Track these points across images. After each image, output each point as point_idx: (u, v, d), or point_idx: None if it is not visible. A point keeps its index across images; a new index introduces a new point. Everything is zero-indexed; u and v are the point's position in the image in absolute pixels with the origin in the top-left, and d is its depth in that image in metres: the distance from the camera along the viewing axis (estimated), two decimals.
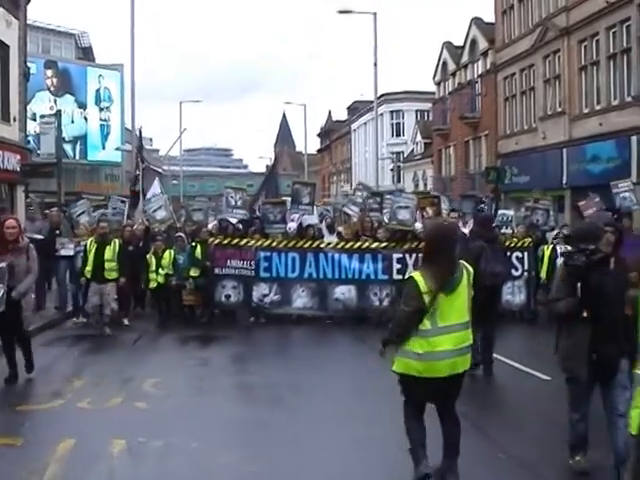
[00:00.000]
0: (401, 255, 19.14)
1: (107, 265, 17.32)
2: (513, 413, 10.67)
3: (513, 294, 19.33)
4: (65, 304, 19.59)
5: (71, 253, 18.96)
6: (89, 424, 9.56)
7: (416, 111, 70.55)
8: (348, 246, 19.43)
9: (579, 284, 7.32)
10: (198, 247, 19.32)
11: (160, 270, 19.03)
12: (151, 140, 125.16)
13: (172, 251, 19.27)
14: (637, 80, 27.60)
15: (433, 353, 6.81)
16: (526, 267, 19.56)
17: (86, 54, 65.88)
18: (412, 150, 67.28)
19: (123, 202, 22.83)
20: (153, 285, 19.22)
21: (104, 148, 60.13)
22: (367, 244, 19.32)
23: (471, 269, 7.16)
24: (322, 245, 19.54)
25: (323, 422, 9.81)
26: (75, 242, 19.12)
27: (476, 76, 47.13)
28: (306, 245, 19.50)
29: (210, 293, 19.29)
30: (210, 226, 21.16)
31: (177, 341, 16.78)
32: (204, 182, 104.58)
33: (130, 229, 19.91)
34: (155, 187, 24.67)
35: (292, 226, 20.14)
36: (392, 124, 73.35)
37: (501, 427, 9.67)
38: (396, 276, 18.85)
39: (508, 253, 18.83)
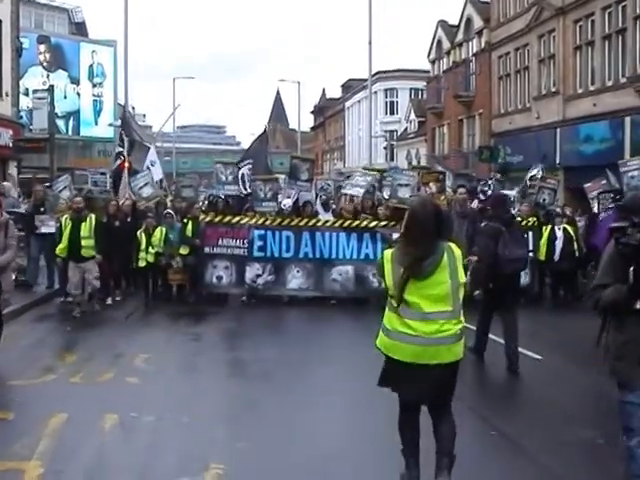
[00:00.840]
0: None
1: (84, 242, 16.34)
2: (506, 392, 10.78)
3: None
4: (53, 282, 19.20)
5: (52, 230, 18.28)
6: (81, 399, 9.58)
7: (410, 89, 70.43)
8: (346, 224, 18.80)
9: (632, 268, 5.45)
10: (189, 224, 18.74)
11: (150, 249, 18.33)
12: (144, 116, 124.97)
13: (163, 229, 18.56)
14: (632, 61, 27.59)
15: (399, 333, 6.13)
16: (531, 247, 18.61)
17: (79, 29, 65.47)
18: (406, 128, 67.21)
19: (103, 174, 22.61)
20: (142, 264, 18.40)
21: (97, 124, 59.88)
22: (366, 222, 18.74)
23: (458, 251, 6.27)
24: (319, 223, 18.92)
25: (314, 398, 9.85)
26: (56, 218, 18.39)
27: (471, 55, 47.05)
28: (302, 223, 18.80)
29: (200, 273, 18.65)
30: (201, 203, 20.92)
31: (169, 317, 16.79)
32: (197, 159, 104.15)
33: (115, 204, 19.13)
34: (152, 154, 24.37)
35: (287, 203, 19.58)
36: (386, 102, 73.22)
37: (494, 406, 9.74)
38: None
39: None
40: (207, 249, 18.61)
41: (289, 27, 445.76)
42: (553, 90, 34.90)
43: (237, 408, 9.40)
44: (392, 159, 65.51)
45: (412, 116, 64.65)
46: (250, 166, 21.21)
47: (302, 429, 8.46)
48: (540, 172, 22.49)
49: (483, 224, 12.94)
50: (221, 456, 7.36)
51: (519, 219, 18.31)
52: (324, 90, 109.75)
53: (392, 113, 72.86)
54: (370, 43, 42.58)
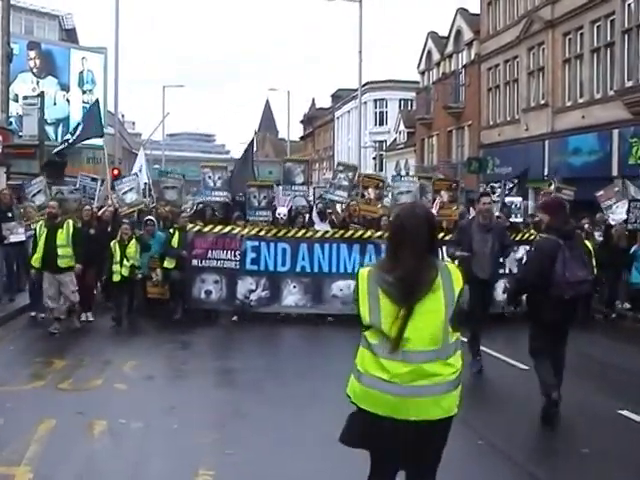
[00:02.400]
0: None
1: (60, 251, 14.84)
2: (492, 402, 10.78)
3: None
4: (14, 294, 17.81)
5: (22, 238, 17.15)
6: (70, 405, 9.58)
7: (400, 100, 70.56)
8: (347, 235, 17.47)
9: None
10: (176, 234, 17.07)
11: (125, 261, 16.21)
12: (134, 124, 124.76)
13: (138, 240, 16.60)
14: (620, 74, 27.74)
15: (372, 377, 4.62)
16: None
17: (70, 36, 65.37)
18: (395, 139, 67.31)
19: (94, 180, 20.67)
20: (116, 278, 16.28)
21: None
22: (370, 233, 17.37)
23: (457, 273, 4.79)
24: (317, 234, 17.52)
25: (303, 406, 9.86)
26: (25, 225, 17.33)
27: (460, 66, 47.21)
28: (299, 234, 17.40)
29: (187, 288, 17.08)
30: (186, 205, 19.90)
31: (157, 325, 16.56)
32: (186, 167, 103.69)
33: (89, 209, 17.43)
34: (140, 157, 23.34)
35: (282, 211, 18.04)
36: (375, 112, 73.32)
37: (481, 416, 9.76)
38: None
39: (522, 247, 16.97)
40: (195, 261, 17.08)
41: (280, 37, 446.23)
42: (542, 102, 35.06)
43: (225, 415, 9.42)
44: (381, 169, 65.65)
45: (401, 127, 64.77)
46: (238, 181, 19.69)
47: (291, 437, 8.47)
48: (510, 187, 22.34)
49: (538, 237, 11.49)
50: (210, 463, 7.37)
51: (533, 231, 17.66)
52: (314, 100, 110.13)
53: (381, 124, 72.96)
54: (360, 53, 42.63)
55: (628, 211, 18.48)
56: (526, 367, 12.27)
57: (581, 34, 31.76)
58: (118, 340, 14.74)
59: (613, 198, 19.56)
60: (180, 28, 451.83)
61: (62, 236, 14.95)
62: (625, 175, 27.43)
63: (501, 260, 11.97)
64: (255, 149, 23.21)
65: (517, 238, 17.27)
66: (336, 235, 17.52)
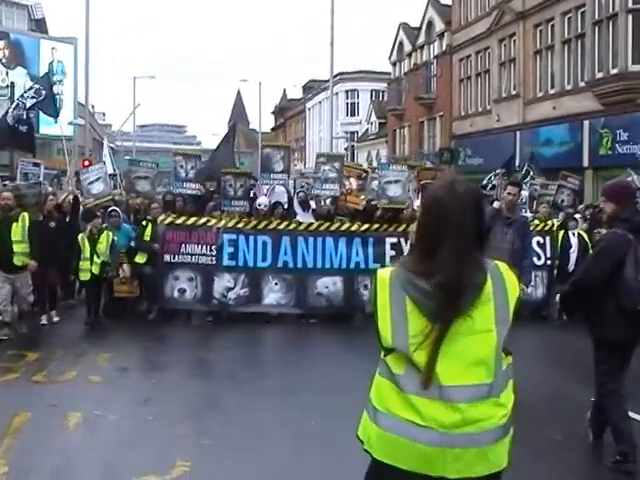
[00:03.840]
0: (395, 240, 15.97)
1: (16, 248, 13.39)
2: None
3: (535, 286, 16.37)
4: None
5: None
6: (44, 397, 9.53)
7: (371, 91, 70.64)
8: (334, 228, 16.14)
9: None
10: (149, 227, 15.82)
11: (95, 258, 14.85)
12: (104, 115, 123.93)
13: (110, 234, 15.25)
14: (590, 65, 27.89)
15: (397, 419, 3.32)
16: (549, 255, 16.73)
17: (39, 26, 64.87)
18: (366, 130, 67.38)
19: (37, 165, 19.31)
20: (85, 277, 14.99)
21: (56, 122, 59.33)
22: (356, 226, 16.11)
23: (512, 276, 3.46)
24: (301, 226, 16.16)
25: (279, 398, 9.87)
26: None
27: (432, 57, 47.30)
28: (281, 226, 16.00)
29: (159, 286, 15.71)
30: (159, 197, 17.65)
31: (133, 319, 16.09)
32: (157, 158, 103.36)
33: (53, 199, 15.94)
34: (106, 150, 21.72)
35: (263, 201, 16.46)
36: (347, 103, 73.36)
37: None
38: (389, 264, 14.45)
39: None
40: (167, 257, 15.64)
41: (251, 29, 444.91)
42: (513, 93, 35.23)
43: (201, 406, 9.39)
44: (352, 160, 65.71)
45: (373, 117, 64.84)
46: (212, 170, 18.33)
47: (268, 427, 8.49)
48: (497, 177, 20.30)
49: (604, 232, 9.45)
50: (187, 454, 7.36)
51: (537, 222, 16.89)
52: (285, 91, 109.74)
53: (353, 114, 72.99)
54: (332, 44, 42.63)
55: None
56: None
57: (552, 26, 31.94)
58: (91, 332, 14.56)
59: None
60: (150, 19, 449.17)
61: (18, 231, 13.46)
62: (595, 166, 27.71)
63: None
64: (234, 139, 21.67)
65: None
66: (321, 227, 16.17)
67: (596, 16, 27.80)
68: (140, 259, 15.85)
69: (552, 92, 31.95)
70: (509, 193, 11.24)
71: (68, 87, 60.11)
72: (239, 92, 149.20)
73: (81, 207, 16.91)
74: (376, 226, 16.14)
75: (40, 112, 22.00)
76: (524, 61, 34.19)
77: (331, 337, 14.47)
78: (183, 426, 8.36)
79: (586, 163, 28.25)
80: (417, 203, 15.96)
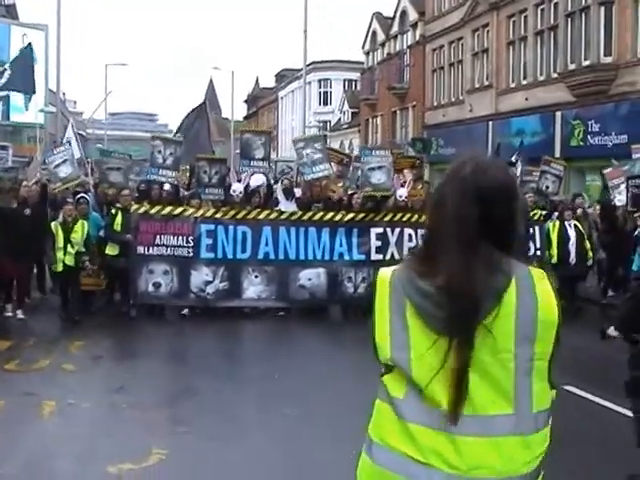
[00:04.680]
0: (381, 230, 15.42)
1: None
2: None
3: None
4: None
5: None
6: (17, 386, 9.53)
7: (344, 80, 70.52)
8: (317, 217, 15.38)
9: None
10: (119, 215, 14.79)
11: (69, 248, 13.97)
12: (75, 103, 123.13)
13: (85, 222, 14.35)
14: (563, 57, 27.99)
15: (396, 454, 2.63)
16: (538, 245, 16.26)
17: (10, 12, 64.14)
18: (339, 119, 67.30)
19: (4, 148, 18.76)
20: (59, 268, 14.11)
21: (27, 109, 58.83)
22: (340, 216, 15.42)
23: (545, 287, 2.62)
24: (283, 216, 15.38)
25: (254, 385, 9.90)
26: None
27: (405, 47, 47.26)
28: (262, 215, 15.22)
29: (132, 280, 14.77)
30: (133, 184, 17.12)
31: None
32: (128, 146, 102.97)
33: (28, 185, 15.25)
34: (69, 133, 19.93)
35: (237, 187, 15.62)
36: (320, 93, 73.23)
37: None
38: (375, 256, 15.26)
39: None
40: (141, 249, 14.72)
41: (225, 18, 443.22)
42: (486, 84, 35.31)
43: (176, 394, 9.41)
44: None
45: (346, 107, 64.77)
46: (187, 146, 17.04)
47: (243, 415, 8.51)
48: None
49: None
50: (162, 441, 7.38)
51: None
52: (257, 79, 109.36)
53: (326, 104, 72.90)
54: (305, 32, 42.47)
55: (627, 190, 16.64)
56: None
57: (525, 17, 32.03)
58: (64, 321, 14.28)
59: (622, 177, 17.47)
60: (121, 7, 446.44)
61: None
62: (567, 157, 27.83)
63: None
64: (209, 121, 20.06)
65: None
66: (304, 217, 15.38)
67: (569, 8, 27.90)
68: (111, 251, 14.81)
69: (525, 83, 32.04)
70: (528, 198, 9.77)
71: (39, 74, 59.55)
72: (211, 80, 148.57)
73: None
74: (361, 215, 15.51)
75: (10, 100, 20.93)
76: (497, 52, 34.26)
77: (309, 329, 14.19)
78: (158, 414, 8.37)
79: (558, 154, 28.30)
80: (400, 192, 15.89)
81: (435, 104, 41.74)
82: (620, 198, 17.13)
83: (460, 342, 2.52)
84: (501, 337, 2.52)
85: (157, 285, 14.78)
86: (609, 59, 25.84)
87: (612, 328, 6.44)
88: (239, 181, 15.95)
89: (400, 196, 15.83)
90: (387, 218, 15.54)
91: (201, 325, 14.43)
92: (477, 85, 36.33)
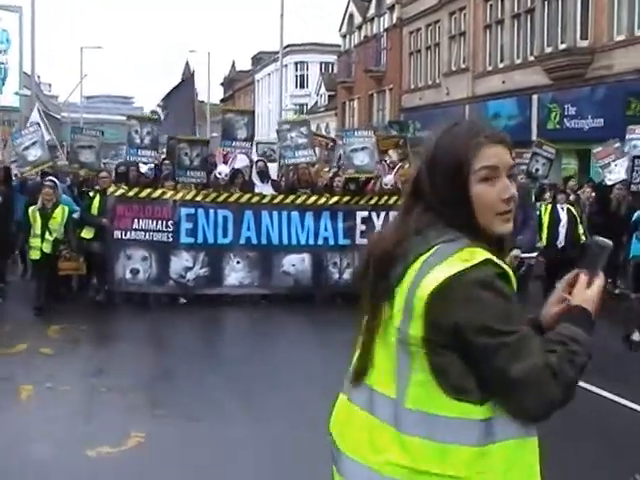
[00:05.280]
0: (366, 213, 14.95)
1: None
2: None
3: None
4: None
5: None
6: None
7: (321, 63, 70.43)
8: (300, 200, 14.93)
9: None
10: (96, 199, 14.22)
11: (47, 235, 13.22)
12: (50, 86, 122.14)
13: (66, 208, 13.61)
14: (540, 40, 28.04)
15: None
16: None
17: None
18: (316, 102, 67.23)
19: None
20: (35, 255, 13.41)
21: (1, 92, 58.37)
22: (325, 199, 15.02)
23: (458, 263, 2.22)
24: (265, 199, 14.89)
25: (232, 367, 9.91)
26: None
27: (382, 30, 47.21)
28: (243, 199, 14.70)
29: (109, 266, 14.17)
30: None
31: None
32: (104, 130, 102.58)
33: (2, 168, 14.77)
34: (34, 116, 19.11)
35: (223, 170, 15.06)
36: (296, 75, 73.11)
37: None
38: (359, 240, 14.64)
39: None
40: (118, 233, 14.10)
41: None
42: (463, 67, 35.35)
43: (155, 377, 9.41)
44: None
45: (322, 90, 64.72)
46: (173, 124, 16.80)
47: (221, 397, 8.52)
48: None
49: None
50: (141, 424, 7.39)
51: None
52: (234, 62, 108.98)
53: (302, 87, 72.79)
54: (282, 16, 42.32)
55: (632, 170, 15.93)
56: None
57: (502, 0, 32.06)
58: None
59: (612, 155, 16.81)
60: None
61: None
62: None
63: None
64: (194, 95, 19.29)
65: None
66: (287, 200, 14.92)
67: None
68: (87, 234, 14.19)
69: (501, 66, 32.10)
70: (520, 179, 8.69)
71: (13, 57, 59.13)
72: (187, 63, 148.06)
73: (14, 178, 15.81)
74: (346, 199, 15.05)
75: None
76: (474, 35, 34.28)
77: (291, 314, 13.81)
78: (136, 397, 8.37)
79: (534, 137, 28.36)
80: (387, 180, 15.36)
81: (412, 87, 41.76)
82: (610, 177, 16.63)
83: (366, 306, 2.44)
84: (396, 306, 2.30)
85: (135, 271, 14.21)
86: (585, 43, 25.91)
87: (638, 333, 6.09)
88: (225, 163, 15.34)
89: (386, 184, 15.30)
90: (372, 202, 15.03)
91: (180, 309, 14.29)
92: (454, 68, 36.36)
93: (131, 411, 7.87)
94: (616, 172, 16.57)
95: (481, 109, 33.16)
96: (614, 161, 16.67)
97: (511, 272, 2.27)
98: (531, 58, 29.23)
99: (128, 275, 14.21)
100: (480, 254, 2.22)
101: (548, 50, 27.41)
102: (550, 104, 27.87)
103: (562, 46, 26.52)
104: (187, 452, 6.82)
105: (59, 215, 13.38)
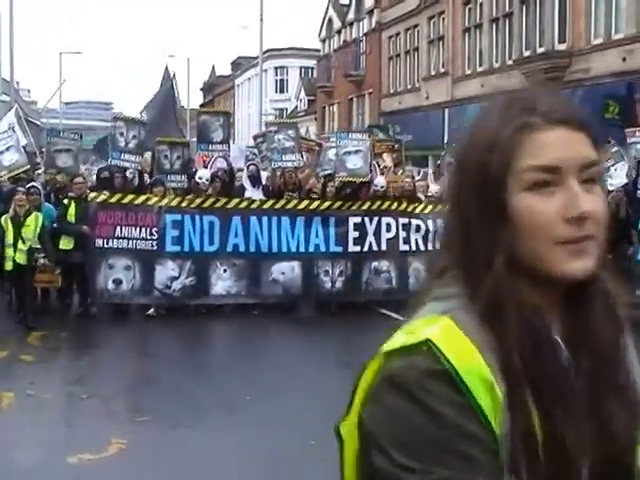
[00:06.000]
0: (359, 219, 14.36)
1: None
2: None
3: None
4: None
5: None
6: None
7: (300, 68, 70.46)
8: (290, 206, 14.29)
9: None
10: (72, 206, 13.36)
11: (20, 244, 12.46)
12: (29, 91, 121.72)
13: (40, 215, 12.81)
14: (518, 44, 28.20)
15: None
16: None
17: None
18: (296, 107, 67.24)
19: None
20: (9, 266, 12.53)
21: None
22: (316, 204, 14.37)
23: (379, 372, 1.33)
24: (254, 204, 14.21)
25: (212, 373, 9.91)
26: None
27: (361, 34, 47.30)
28: (231, 204, 14.04)
29: (90, 276, 13.38)
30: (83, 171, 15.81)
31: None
32: (84, 136, 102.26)
33: None
34: (9, 117, 17.74)
35: (204, 174, 14.32)
36: (276, 80, 73.12)
37: None
38: (352, 247, 14.29)
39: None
40: (100, 242, 13.30)
41: (180, 5, 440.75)
42: (442, 71, 35.48)
43: (136, 383, 9.41)
44: None
45: (302, 95, 64.75)
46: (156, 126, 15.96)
47: (202, 403, 8.51)
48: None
49: None
50: (122, 431, 7.38)
51: None
52: (214, 67, 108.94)
53: (282, 91, 72.78)
54: (261, 20, 42.33)
55: (637, 174, 15.60)
56: None
57: (480, 4, 32.20)
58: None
59: (611, 159, 15.90)
60: None
61: None
62: None
63: None
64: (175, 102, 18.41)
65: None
66: (277, 205, 14.26)
67: None
68: (66, 244, 13.32)
69: (480, 70, 32.26)
70: None
71: None
72: (167, 68, 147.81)
73: None
74: (338, 204, 14.38)
75: None
76: (453, 39, 34.42)
77: (277, 321, 13.43)
78: (118, 403, 8.38)
79: None
80: (377, 181, 14.94)
81: (391, 91, 41.88)
82: (612, 182, 15.49)
83: None
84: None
85: (118, 282, 13.40)
86: (563, 46, 26.09)
87: None
88: (205, 167, 14.71)
89: (376, 185, 14.83)
90: (365, 207, 14.45)
91: (162, 317, 13.78)
92: (433, 72, 36.50)
93: (112, 418, 7.86)
94: (617, 176, 15.88)
95: (460, 113, 33.30)
96: (613, 165, 15.92)
97: (476, 368, 1.29)
98: (510, 62, 29.38)
99: (110, 285, 13.39)
100: (428, 328, 1.32)
101: (527, 54, 27.56)
102: None
103: (540, 50, 26.69)
104: (168, 458, 6.82)
105: (32, 223, 12.60)
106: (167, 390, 9.10)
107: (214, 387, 9.26)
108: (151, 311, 13.63)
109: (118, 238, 13.38)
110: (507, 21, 29.96)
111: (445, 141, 33.75)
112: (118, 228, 13.38)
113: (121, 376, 9.76)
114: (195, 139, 16.89)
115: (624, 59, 23.57)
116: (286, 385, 9.26)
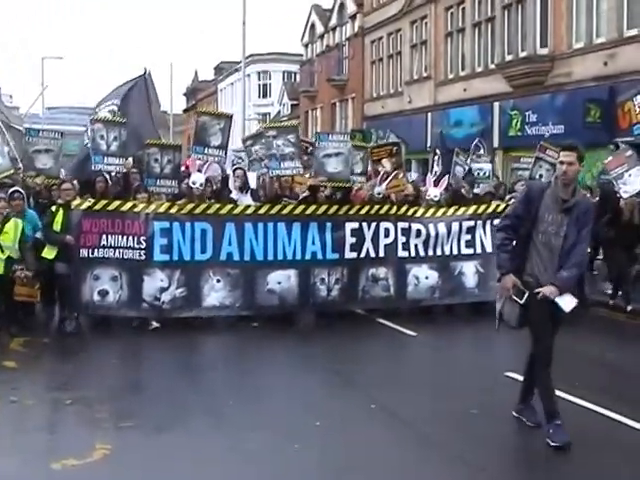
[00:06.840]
0: (357, 224, 13.80)
1: None
2: (382, 367, 10.92)
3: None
4: None
5: None
6: None
7: (283, 72, 70.46)
8: (286, 211, 13.61)
9: None
10: (59, 213, 12.60)
11: None
12: (11, 97, 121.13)
13: (19, 222, 12.18)
14: (500, 48, 28.35)
15: None
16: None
17: None
18: (279, 111, 67.20)
19: None
20: None
21: None
22: (312, 209, 13.72)
23: None
24: (248, 210, 13.48)
25: (198, 377, 9.91)
26: None
27: (344, 39, 47.37)
28: (224, 210, 13.29)
29: (74, 288, 12.60)
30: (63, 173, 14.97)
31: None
32: (67, 141, 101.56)
33: None
34: None
35: (198, 179, 13.49)
36: (259, 85, 73.08)
37: (373, 381, 9.90)
38: (349, 254, 13.75)
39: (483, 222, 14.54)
40: (84, 251, 12.57)
41: (162, 9, 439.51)
42: (425, 75, 35.60)
43: (120, 389, 9.36)
44: None
45: (285, 99, 64.74)
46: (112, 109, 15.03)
47: (187, 408, 8.50)
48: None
49: None
50: (106, 436, 7.35)
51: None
52: (196, 72, 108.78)
53: (265, 96, 72.73)
54: (244, 24, 42.31)
55: None
56: (414, 334, 12.62)
57: (463, 9, 32.36)
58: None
59: (625, 165, 15.34)
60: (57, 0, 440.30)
61: None
62: (505, 147, 28.22)
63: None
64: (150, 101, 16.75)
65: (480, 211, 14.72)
66: (272, 211, 13.58)
67: (505, 0, 28.27)
68: (49, 254, 12.59)
69: (463, 74, 32.40)
70: (562, 162, 7.36)
71: None
72: (149, 73, 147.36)
73: None
74: (335, 208, 13.82)
75: None
76: (435, 43, 34.54)
77: (265, 329, 12.99)
78: (102, 409, 8.32)
79: (496, 144, 28.70)
80: (379, 189, 14.56)
81: (374, 95, 41.96)
82: (626, 189, 15.07)
83: None
84: None
85: (104, 293, 12.66)
86: (545, 50, 26.27)
87: None
88: (199, 171, 13.75)
89: (379, 193, 14.50)
90: (363, 212, 13.93)
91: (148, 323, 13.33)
92: (416, 76, 36.62)
93: (96, 423, 7.82)
94: (631, 183, 15.08)
95: (443, 117, 33.42)
96: (627, 171, 15.20)
97: None
98: (492, 66, 29.57)
99: (96, 297, 12.65)
100: None
101: (509, 58, 27.76)
102: (511, 111, 28.21)
103: (522, 54, 26.89)
104: (153, 464, 6.80)
105: (11, 230, 11.98)
106: (152, 395, 9.08)
107: (201, 393, 9.25)
108: (154, 324, 12.92)
109: (104, 247, 12.67)
110: (489, 26, 30.14)
111: (428, 145, 33.87)
112: (104, 237, 12.65)
113: (105, 381, 9.71)
114: (181, 143, 16.19)
115: (605, 63, 23.74)
116: (272, 391, 9.27)
